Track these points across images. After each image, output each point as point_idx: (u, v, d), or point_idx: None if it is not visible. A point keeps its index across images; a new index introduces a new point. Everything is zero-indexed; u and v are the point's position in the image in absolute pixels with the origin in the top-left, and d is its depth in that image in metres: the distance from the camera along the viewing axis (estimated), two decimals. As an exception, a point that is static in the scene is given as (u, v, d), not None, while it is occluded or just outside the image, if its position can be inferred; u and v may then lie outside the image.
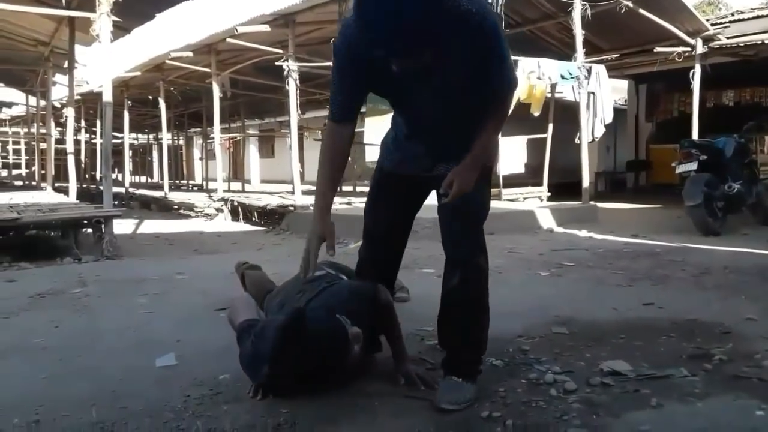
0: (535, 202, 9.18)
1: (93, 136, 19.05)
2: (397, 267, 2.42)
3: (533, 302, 3.30)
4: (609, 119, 8.84)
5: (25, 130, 17.98)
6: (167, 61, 10.91)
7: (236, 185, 17.21)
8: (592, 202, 8.44)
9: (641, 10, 8.68)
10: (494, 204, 7.82)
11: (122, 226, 7.31)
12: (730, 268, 4.27)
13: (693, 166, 6.37)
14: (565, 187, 10.44)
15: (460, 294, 2.04)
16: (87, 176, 17.13)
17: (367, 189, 2.62)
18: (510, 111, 2.01)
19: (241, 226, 8.78)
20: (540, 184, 9.69)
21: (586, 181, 8.29)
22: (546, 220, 7.18)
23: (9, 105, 17.25)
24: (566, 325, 2.80)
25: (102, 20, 5.89)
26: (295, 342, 1.85)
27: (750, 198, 6.64)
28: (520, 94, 8.49)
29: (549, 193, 9.65)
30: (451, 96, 1.91)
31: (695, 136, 9.77)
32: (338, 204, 9.06)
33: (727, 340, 2.54)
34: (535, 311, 3.05)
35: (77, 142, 12.64)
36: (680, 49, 9.97)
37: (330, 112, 1.97)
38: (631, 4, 8.45)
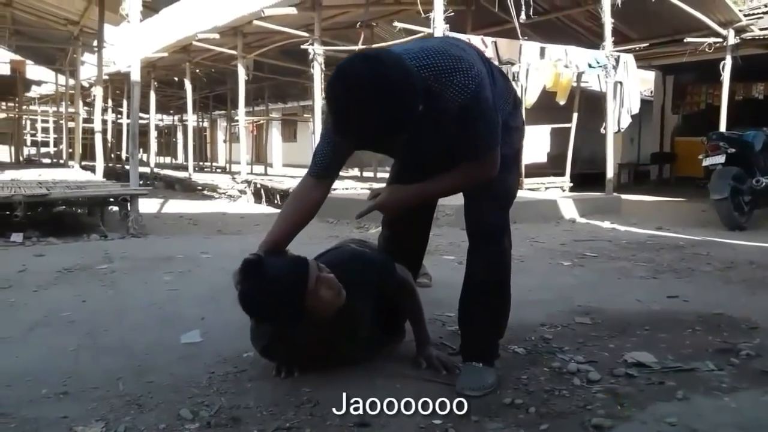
0: (557, 192, 9.09)
1: (119, 116, 19.25)
2: (422, 255, 2.40)
3: (556, 292, 3.28)
4: (636, 110, 8.70)
5: (54, 108, 18.22)
6: (194, 43, 10.97)
7: (259, 168, 17.31)
8: (615, 194, 8.34)
9: (672, -1, 8.51)
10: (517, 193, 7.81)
11: (147, 205, 7.39)
12: (757, 263, 4.20)
13: (720, 159, 6.25)
14: (587, 178, 10.32)
15: (481, 275, 2.04)
16: (113, 156, 17.35)
17: (385, 174, 2.75)
18: (485, 177, 1.95)
19: (264, 208, 8.84)
20: (563, 174, 9.59)
21: (610, 172, 8.19)
22: (568, 210, 7.12)
23: (38, 83, 17.47)
24: (589, 315, 2.78)
25: (132, 0, 5.92)
26: (253, 282, 1.79)
27: (778, 193, 6.51)
28: (545, 81, 8.41)
29: (571, 184, 9.55)
30: (440, 150, 1.94)
31: (723, 128, 9.58)
32: (359, 189, 9.08)
33: (754, 335, 2.51)
34: (557, 301, 3.04)
35: (104, 122, 12.76)
36: (711, 39, 9.74)
37: (310, 166, 1.96)
38: (662, -8, 8.29)
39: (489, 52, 7.52)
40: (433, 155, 1.98)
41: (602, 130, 8.30)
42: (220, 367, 2.10)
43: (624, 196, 8.52)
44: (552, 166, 9.71)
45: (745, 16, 10.28)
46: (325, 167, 1.94)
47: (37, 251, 4.48)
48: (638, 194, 10.10)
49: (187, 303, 2.99)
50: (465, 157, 1.91)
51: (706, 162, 6.38)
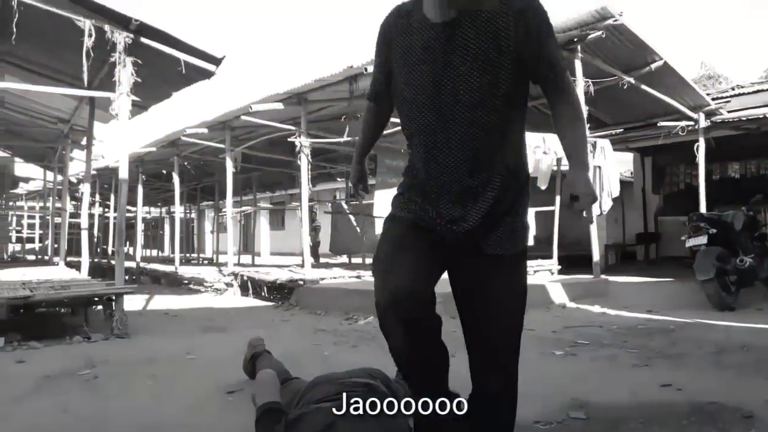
0: (546, 275, 9.13)
1: (106, 209, 19.32)
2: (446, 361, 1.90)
3: (548, 384, 3.23)
4: (616, 193, 8.91)
5: (41, 204, 18.30)
6: (182, 137, 11.20)
7: (246, 257, 17.26)
8: (603, 276, 8.39)
9: (643, 86, 8.91)
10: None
11: (132, 302, 7.30)
12: (748, 345, 4.19)
13: (703, 239, 6.36)
14: (575, 259, 10.40)
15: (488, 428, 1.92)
16: (99, 250, 17.26)
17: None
18: (581, 113, 1.87)
19: (251, 301, 8.75)
20: (550, 256, 9.67)
21: (596, 255, 8.26)
22: (558, 294, 7.12)
23: (26, 180, 17.65)
24: (583, 410, 2.73)
25: (121, 100, 6.08)
26: None
27: (763, 272, 6.59)
28: (527, 168, 8.64)
29: (559, 266, 9.61)
30: (476, 88, 1.74)
31: (703, 208, 9.81)
32: (347, 277, 9.05)
33: (749, 425, 2.47)
34: (551, 395, 2.99)
35: (91, 216, 12.81)
36: (683, 123, 10.17)
37: (368, 92, 2.20)
38: (633, 81, 8.68)
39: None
40: (466, 95, 1.75)
41: (584, 214, 8.44)
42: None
43: (612, 278, 8.56)
44: (539, 249, 9.80)
45: (713, 99, 10.78)
46: (374, 88, 2.12)
47: (18, 356, 4.36)
48: (626, 275, 10.14)
49: (171, 409, 2.89)
50: (544, 87, 1.82)
51: (689, 243, 6.48)
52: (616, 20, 7.19)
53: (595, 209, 8.60)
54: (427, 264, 1.81)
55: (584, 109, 8.11)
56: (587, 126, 8.40)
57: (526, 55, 1.72)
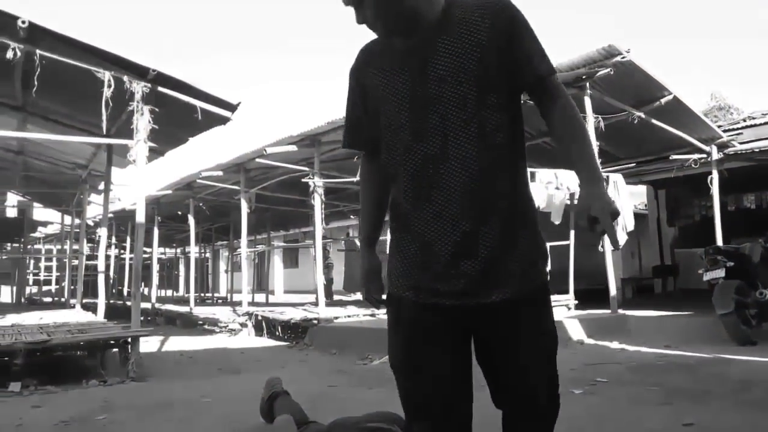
0: (562, 310, 9.03)
1: (122, 251, 19.52)
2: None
3: (569, 426, 3.17)
4: (630, 227, 8.87)
5: (58, 247, 18.53)
6: (198, 180, 11.38)
7: (260, 296, 17.28)
8: (621, 311, 8.29)
9: (654, 121, 8.94)
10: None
11: (148, 344, 7.31)
12: (772, 382, 4.10)
13: (721, 273, 6.29)
14: (591, 293, 10.28)
15: None
16: (114, 290, 17.37)
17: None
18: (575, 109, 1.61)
19: (265, 341, 8.73)
20: (566, 291, 9.58)
21: (613, 289, 8.18)
22: (576, 330, 7.04)
23: (44, 224, 17.94)
24: (604, 452, 2.68)
25: (139, 147, 6.22)
26: None
27: (784, 304, 6.48)
28: (539, 202, 8.65)
29: (576, 301, 9.51)
30: (466, 103, 1.50)
31: (719, 241, 9.72)
32: (362, 316, 9.02)
33: (777, 468, 2.41)
34: (570, 436, 2.94)
35: (106, 258, 12.94)
36: (696, 156, 10.16)
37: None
38: (643, 116, 8.72)
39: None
40: (448, 101, 1.51)
41: (600, 248, 8.40)
42: None
43: (630, 312, 8.45)
44: (554, 283, 9.69)
45: (725, 131, 10.79)
46: (367, 138, 1.74)
47: (34, 401, 4.37)
48: (644, 309, 9.98)
49: (188, 456, 2.88)
50: (530, 90, 1.57)
51: (707, 277, 6.41)
52: (623, 57, 7.27)
53: (621, 234, 8.50)
54: (454, 363, 1.55)
55: (595, 144, 8.13)
56: (600, 161, 8.42)
57: (504, 59, 1.50)
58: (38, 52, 5.61)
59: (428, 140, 1.51)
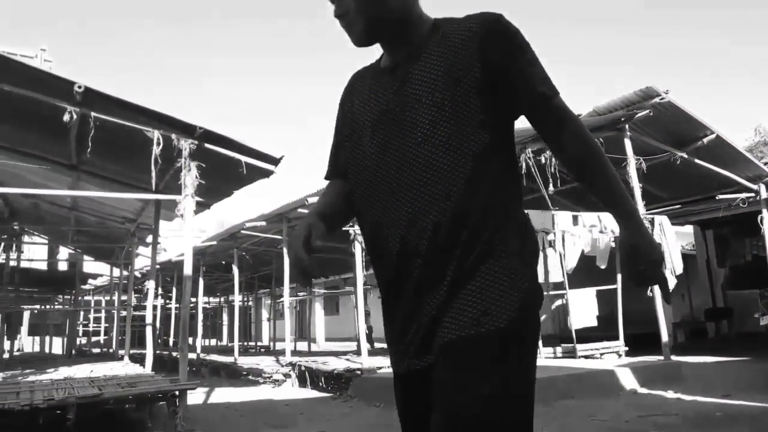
0: (613, 358, 8.77)
1: (167, 300, 19.86)
2: None
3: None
4: (679, 270, 8.65)
5: (107, 298, 18.97)
6: (242, 231, 11.61)
7: (302, 344, 17.27)
8: (674, 357, 7.99)
9: (697, 160, 8.80)
10: (571, 363, 7.55)
11: (194, 395, 7.36)
12: (844, 435, 3.88)
13: (779, 317, 6.05)
14: (641, 338, 9.97)
15: None
16: (160, 341, 17.60)
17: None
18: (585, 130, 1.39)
19: (309, 393, 8.69)
20: (615, 337, 9.30)
21: (665, 336, 7.91)
22: (628, 379, 6.80)
23: (94, 276, 18.46)
24: None
25: (186, 201, 6.40)
26: None
27: None
28: (583, 246, 8.52)
29: (626, 348, 9.22)
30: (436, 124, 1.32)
31: (775, 282, 9.36)
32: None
33: None
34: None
35: (153, 308, 13.20)
36: (744, 195, 9.90)
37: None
38: (686, 156, 8.59)
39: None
40: (425, 135, 1.32)
41: (649, 293, 8.17)
42: None
43: (683, 359, 8.17)
44: (603, 328, 9.47)
45: (772, 167, 10.50)
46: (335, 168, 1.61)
47: (86, 458, 4.44)
48: (698, 355, 9.64)
49: None
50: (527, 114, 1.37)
51: (764, 321, 6.19)
52: (662, 98, 7.24)
53: (669, 278, 8.17)
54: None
55: (638, 186, 8.01)
56: (643, 203, 8.25)
57: (497, 80, 1.32)
58: (93, 114, 5.90)
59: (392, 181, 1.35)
